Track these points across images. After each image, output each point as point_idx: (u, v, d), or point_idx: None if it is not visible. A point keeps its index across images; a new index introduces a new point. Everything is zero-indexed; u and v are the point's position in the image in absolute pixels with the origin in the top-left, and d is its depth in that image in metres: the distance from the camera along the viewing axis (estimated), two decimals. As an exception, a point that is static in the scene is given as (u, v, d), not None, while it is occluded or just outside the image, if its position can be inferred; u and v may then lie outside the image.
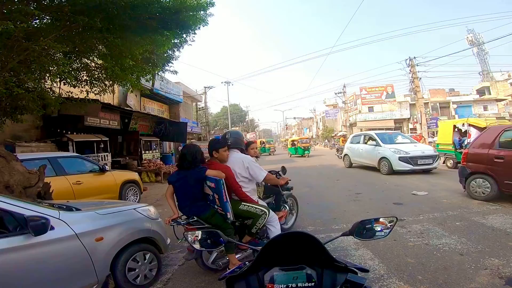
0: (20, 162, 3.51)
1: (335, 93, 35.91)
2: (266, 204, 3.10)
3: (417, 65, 20.53)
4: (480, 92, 34.51)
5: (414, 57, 20.52)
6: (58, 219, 2.18)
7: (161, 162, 12.10)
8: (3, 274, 1.86)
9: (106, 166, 6.34)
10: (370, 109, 35.23)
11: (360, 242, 3.53)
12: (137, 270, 2.63)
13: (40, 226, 1.94)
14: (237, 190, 2.79)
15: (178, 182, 2.72)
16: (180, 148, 16.39)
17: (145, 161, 11.63)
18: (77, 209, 2.58)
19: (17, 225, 2.00)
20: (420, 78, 20.84)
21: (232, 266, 2.83)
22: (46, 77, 5.10)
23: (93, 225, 2.39)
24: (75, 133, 9.17)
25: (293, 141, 25.82)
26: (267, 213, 2.79)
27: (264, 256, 1.05)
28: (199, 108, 27.37)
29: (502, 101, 31.66)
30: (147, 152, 13.09)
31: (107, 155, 9.71)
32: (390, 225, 1.26)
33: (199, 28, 5.55)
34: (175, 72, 8.48)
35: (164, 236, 3.05)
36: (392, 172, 9.29)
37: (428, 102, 30.05)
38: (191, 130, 20.75)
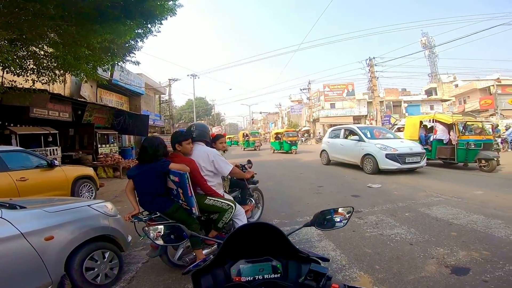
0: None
1: (301, 89, 36.95)
2: (232, 198, 3.09)
3: (376, 65, 21.90)
4: (428, 92, 38.10)
5: (374, 57, 21.88)
6: (0, 217, 2.02)
7: (120, 157, 11.47)
8: None
9: (55, 161, 5.80)
10: (332, 106, 36.89)
11: (322, 233, 3.70)
12: (96, 269, 2.51)
13: None
14: (202, 184, 2.74)
15: (139, 177, 2.60)
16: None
17: (101, 156, 10.98)
18: (22, 207, 2.39)
19: None
20: (378, 78, 22.30)
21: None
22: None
23: (41, 223, 2.24)
24: (19, 125, 8.26)
25: (277, 134, 21.78)
26: (234, 207, 2.78)
27: (228, 248, 1.04)
28: (163, 100, 26.28)
29: (447, 101, 35.26)
30: (103, 146, 12.37)
31: (56, 149, 8.96)
32: (348, 216, 1.32)
33: (166, 18, 5.28)
34: (137, 63, 7.93)
35: (124, 233, 2.92)
36: (378, 171, 8.24)
37: (383, 101, 32.34)
38: (154, 123, 19.95)
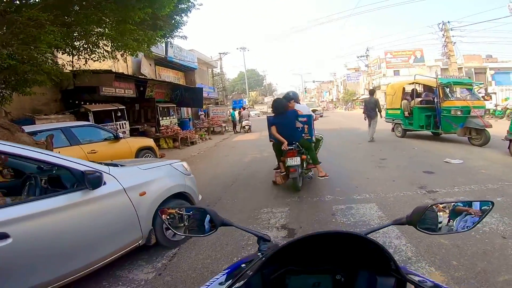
0: (26, 133, 3.42)
1: (358, 57, 34.16)
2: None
3: (451, 30, 19.71)
4: (523, 57, 30.60)
5: (448, 22, 19.68)
6: (108, 174, 2.20)
7: (179, 128, 12.17)
8: (64, 230, 1.89)
9: (120, 134, 6.29)
10: (396, 73, 33.15)
11: (384, 215, 3.21)
12: None
13: (96, 179, 1.98)
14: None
15: (281, 121, 4.28)
16: (199, 113, 18.38)
17: (163, 127, 11.71)
18: (122, 165, 2.62)
19: (73, 182, 2.08)
20: (455, 43, 19.90)
21: (321, 174, 4.40)
22: (53, 49, 4.87)
23: (137, 179, 2.45)
24: (92, 104, 9.23)
25: None
26: (323, 137, 5.12)
27: (281, 254, 0.72)
28: (215, 74, 26.79)
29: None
30: (164, 118, 13.13)
31: (125, 123, 9.86)
32: (481, 214, 0.80)
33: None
34: (185, 37, 8.10)
35: (196, 191, 3.09)
36: None
37: (462, 67, 27.38)
38: (208, 95, 20.55)
